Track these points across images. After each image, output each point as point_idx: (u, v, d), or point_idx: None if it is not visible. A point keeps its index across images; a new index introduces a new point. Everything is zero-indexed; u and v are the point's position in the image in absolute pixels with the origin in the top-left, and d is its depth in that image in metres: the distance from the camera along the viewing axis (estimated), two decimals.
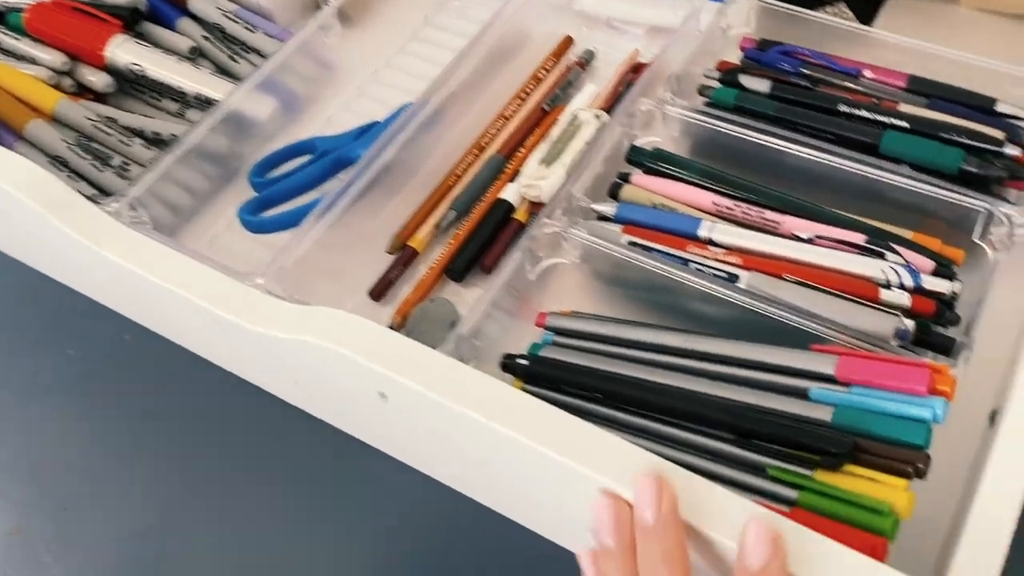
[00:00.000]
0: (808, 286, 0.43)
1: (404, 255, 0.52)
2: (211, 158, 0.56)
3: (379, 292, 0.51)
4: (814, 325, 0.42)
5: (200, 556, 0.47)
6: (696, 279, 0.44)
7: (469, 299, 0.50)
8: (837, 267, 0.44)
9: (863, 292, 0.43)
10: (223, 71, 0.60)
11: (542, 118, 0.57)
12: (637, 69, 0.59)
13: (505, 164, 0.55)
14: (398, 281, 0.51)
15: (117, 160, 0.55)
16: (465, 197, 0.53)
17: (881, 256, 0.44)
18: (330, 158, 0.55)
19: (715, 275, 0.44)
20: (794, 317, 0.42)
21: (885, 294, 0.43)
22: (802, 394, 0.39)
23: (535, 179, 0.52)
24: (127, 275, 0.46)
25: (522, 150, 0.55)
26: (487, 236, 0.52)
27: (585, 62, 0.61)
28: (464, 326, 0.44)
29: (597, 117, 0.54)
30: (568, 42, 0.62)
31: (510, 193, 0.53)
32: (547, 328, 0.47)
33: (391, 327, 0.49)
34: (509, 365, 0.45)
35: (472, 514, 0.45)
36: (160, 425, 0.51)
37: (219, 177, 0.57)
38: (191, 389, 0.52)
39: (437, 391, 0.38)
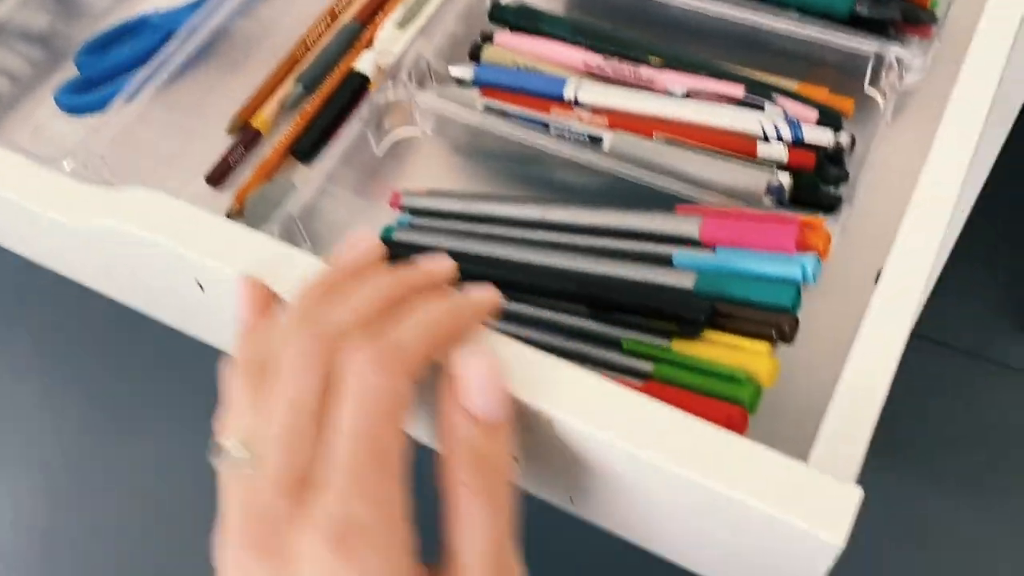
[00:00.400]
0: (677, 144, 0.39)
1: (245, 136, 0.46)
2: (31, 39, 0.50)
3: (218, 177, 0.45)
4: (683, 186, 0.37)
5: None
6: (556, 144, 0.39)
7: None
8: (711, 122, 0.40)
9: (740, 148, 0.39)
10: None
11: None
12: None
13: (361, 32, 0.49)
14: (240, 165, 0.46)
15: None
16: (313, 70, 0.48)
17: (760, 108, 0.40)
18: (164, 33, 0.49)
19: (577, 139, 0.40)
20: (662, 179, 0.38)
21: (762, 148, 0.39)
22: (666, 261, 0.35)
23: (391, 44, 0.47)
24: None
25: (380, 15, 0.50)
26: (338, 111, 0.46)
27: None
28: (293, 204, 0.39)
29: None
30: None
31: (365, 64, 0.48)
32: (403, 209, 0.42)
33: (229, 214, 0.44)
34: None
35: None
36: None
37: (44, 61, 0.51)
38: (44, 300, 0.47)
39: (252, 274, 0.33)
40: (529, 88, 0.42)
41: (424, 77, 0.43)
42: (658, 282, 0.34)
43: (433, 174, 0.44)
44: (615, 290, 0.35)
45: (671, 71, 0.42)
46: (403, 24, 0.47)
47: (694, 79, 0.41)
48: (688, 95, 0.41)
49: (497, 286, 0.38)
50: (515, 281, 0.37)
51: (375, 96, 0.42)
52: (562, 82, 0.42)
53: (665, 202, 0.38)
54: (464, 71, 0.44)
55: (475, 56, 0.45)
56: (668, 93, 0.41)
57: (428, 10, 0.47)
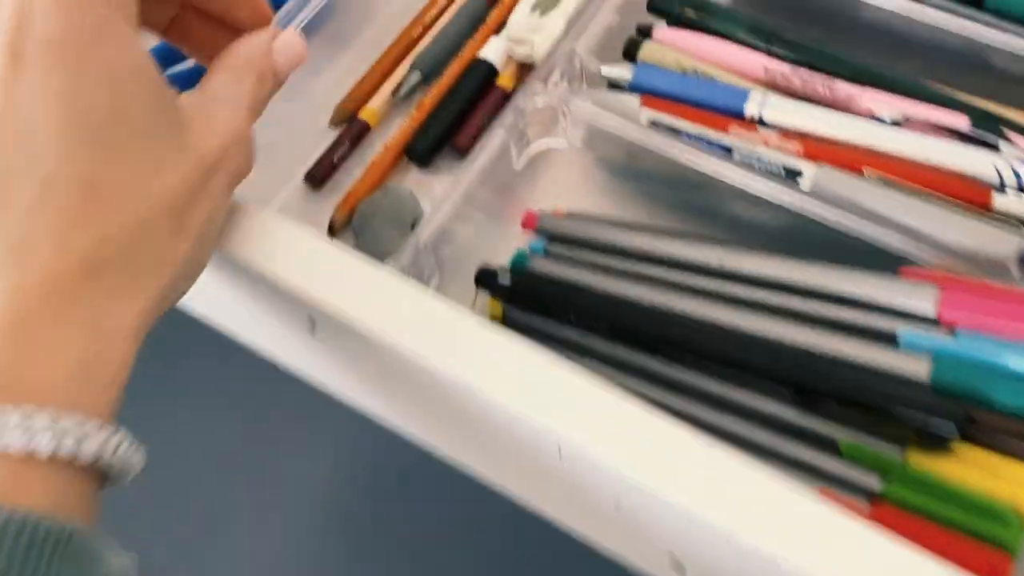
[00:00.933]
0: (896, 186, 0.32)
1: (352, 129, 0.40)
2: None
3: (320, 177, 0.39)
4: (905, 242, 0.30)
5: None
6: (743, 175, 0.32)
7: (437, 190, 0.38)
8: (932, 160, 0.33)
9: (968, 196, 0.32)
10: None
11: None
12: None
13: (487, 11, 0.42)
14: (345, 163, 0.39)
15: None
16: (433, 54, 0.41)
17: (993, 147, 0.33)
18: None
19: (768, 170, 0.33)
20: (876, 230, 0.31)
21: (999, 200, 0.31)
22: (887, 338, 0.28)
23: (526, 32, 0.39)
24: None
25: None
26: (461, 107, 0.39)
27: None
28: (424, 231, 0.33)
29: None
30: None
31: (492, 50, 0.41)
32: (538, 232, 0.35)
33: (332, 224, 0.37)
34: (485, 280, 0.34)
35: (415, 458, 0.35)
36: None
37: None
38: None
39: (373, 323, 0.26)
40: (700, 98, 0.35)
41: (575, 77, 0.36)
42: (881, 366, 0.28)
43: (577, 193, 0.37)
44: (825, 372, 0.28)
45: (874, 89, 0.35)
46: (544, 8, 0.39)
47: (904, 102, 0.34)
48: (899, 123, 0.34)
49: (662, 345, 0.32)
50: (686, 342, 0.31)
51: (522, 100, 0.35)
52: (743, 94, 0.35)
53: (876, 256, 0.31)
54: (620, 71, 0.37)
55: (630, 54, 0.38)
56: (874, 118, 0.34)
57: None
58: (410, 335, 0.25)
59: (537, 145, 0.36)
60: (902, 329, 0.28)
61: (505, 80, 0.40)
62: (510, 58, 0.40)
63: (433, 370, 0.25)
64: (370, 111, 0.40)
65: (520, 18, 0.40)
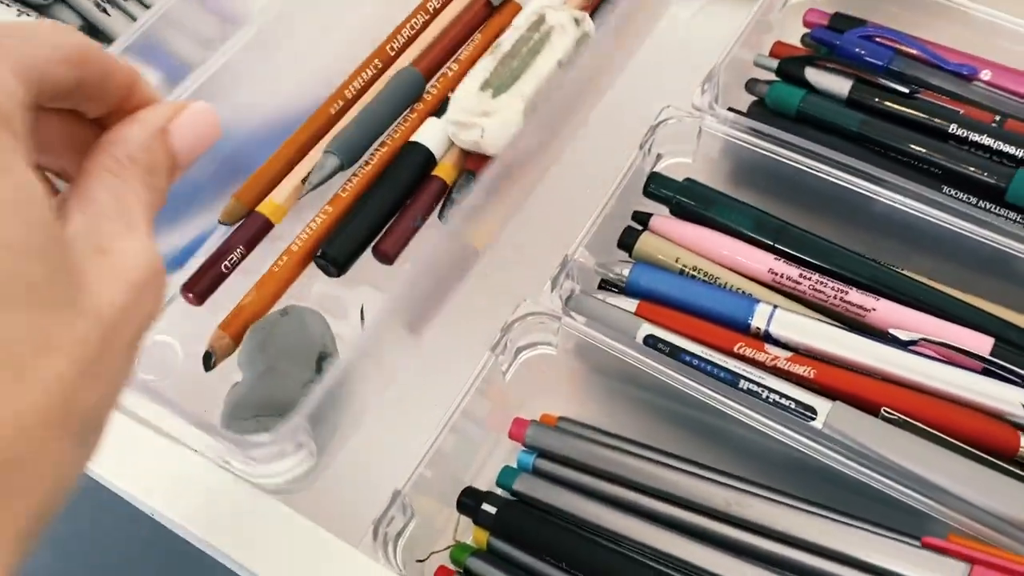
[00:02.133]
0: (917, 431, 0.29)
1: (248, 228, 0.33)
2: None
3: (203, 289, 0.32)
4: (927, 500, 0.28)
5: None
6: (749, 408, 0.30)
7: (348, 303, 0.33)
8: (955, 393, 0.30)
9: (995, 439, 0.29)
10: (90, 28, 0.44)
11: (487, 15, 0.39)
12: None
13: (425, 86, 0.37)
14: (236, 271, 0.33)
15: None
16: (355, 136, 0.35)
17: (1019, 380, 0.30)
18: None
19: (777, 404, 0.30)
20: (896, 481, 0.28)
21: None
22: None
23: (474, 114, 0.34)
24: None
25: (454, 65, 0.38)
26: (390, 203, 0.34)
27: None
28: (405, 481, 0.29)
29: (577, 23, 0.37)
30: None
31: (430, 133, 0.35)
32: (527, 446, 0.33)
33: (211, 353, 0.31)
34: (468, 505, 0.31)
35: None
36: None
37: None
38: None
39: None
40: (703, 306, 0.33)
41: (568, 275, 0.33)
42: None
43: (570, 398, 0.34)
44: None
45: (889, 300, 0.32)
46: (496, 87, 0.34)
47: (923, 319, 0.32)
48: (916, 344, 0.31)
49: None
50: None
51: (516, 317, 0.32)
52: (750, 305, 0.32)
53: (894, 511, 0.28)
54: (616, 269, 0.34)
55: (626, 245, 0.35)
56: (889, 336, 0.31)
57: (537, 68, 0.35)
58: None
59: (525, 356, 0.33)
60: None
61: (445, 171, 0.35)
62: (453, 143, 0.35)
63: None
64: (272, 205, 0.33)
65: (466, 97, 0.35)
